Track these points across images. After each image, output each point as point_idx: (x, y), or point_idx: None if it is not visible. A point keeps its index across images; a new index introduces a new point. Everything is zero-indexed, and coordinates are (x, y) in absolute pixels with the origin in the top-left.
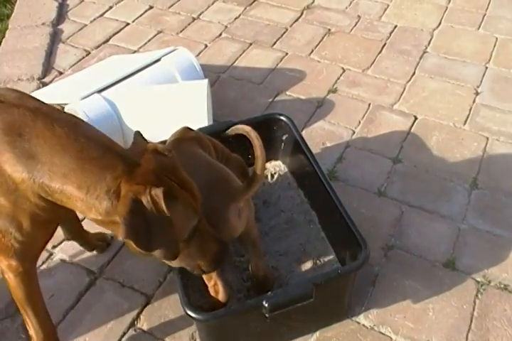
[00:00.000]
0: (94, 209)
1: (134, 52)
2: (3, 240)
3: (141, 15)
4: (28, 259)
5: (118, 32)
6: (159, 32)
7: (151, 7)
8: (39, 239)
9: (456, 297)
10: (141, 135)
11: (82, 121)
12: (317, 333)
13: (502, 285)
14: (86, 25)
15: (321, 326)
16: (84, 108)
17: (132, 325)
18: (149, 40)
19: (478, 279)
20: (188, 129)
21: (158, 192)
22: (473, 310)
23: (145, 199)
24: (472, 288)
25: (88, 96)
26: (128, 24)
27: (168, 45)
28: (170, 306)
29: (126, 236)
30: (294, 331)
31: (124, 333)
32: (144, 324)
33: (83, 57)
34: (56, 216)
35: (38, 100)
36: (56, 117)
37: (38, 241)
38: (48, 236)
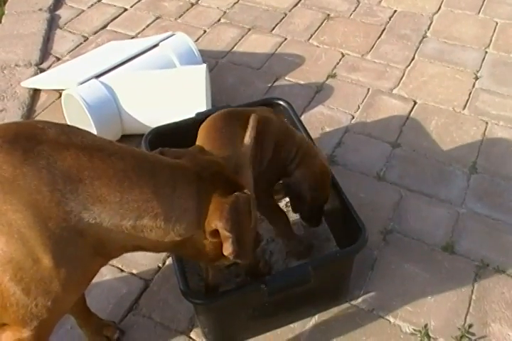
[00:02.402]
0: (173, 232)
1: (132, 37)
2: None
3: (139, 1)
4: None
5: (116, 17)
6: (157, 17)
7: None
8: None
9: (454, 280)
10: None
11: (133, 147)
12: (316, 317)
13: (500, 269)
14: (84, 10)
15: (320, 310)
16: (81, 93)
17: (131, 309)
18: (148, 26)
19: (477, 263)
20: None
21: (246, 199)
22: (472, 293)
23: (237, 208)
24: (470, 272)
25: (86, 81)
26: (126, 10)
27: (166, 31)
28: (169, 291)
29: (235, 251)
30: (292, 315)
31: (124, 317)
32: (142, 308)
33: (81, 43)
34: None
35: (81, 131)
36: (111, 150)
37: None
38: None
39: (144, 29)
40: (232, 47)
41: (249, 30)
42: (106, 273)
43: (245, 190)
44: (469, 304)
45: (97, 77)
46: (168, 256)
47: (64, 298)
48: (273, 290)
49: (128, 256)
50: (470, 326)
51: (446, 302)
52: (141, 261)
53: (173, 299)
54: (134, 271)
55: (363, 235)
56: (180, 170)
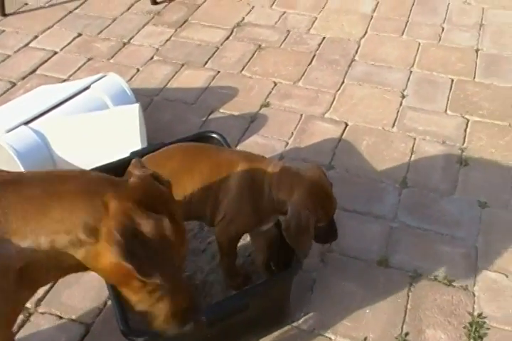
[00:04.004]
0: (77, 241)
1: (64, 81)
2: None
3: (69, 44)
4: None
5: (45, 61)
6: (89, 59)
7: (79, 34)
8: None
9: (390, 293)
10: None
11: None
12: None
13: (432, 277)
14: (10, 56)
15: (262, 335)
16: (9, 141)
17: None
18: (79, 68)
19: (411, 273)
20: None
21: (165, 222)
22: (407, 303)
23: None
24: (405, 283)
25: (14, 128)
26: (56, 53)
27: (98, 72)
28: (111, 333)
29: (123, 256)
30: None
31: None
32: None
33: (8, 89)
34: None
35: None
36: (24, 181)
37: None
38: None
39: (75, 72)
40: (166, 84)
41: (182, 65)
42: (43, 323)
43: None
44: (405, 313)
45: (27, 123)
46: (109, 298)
47: None
48: (212, 321)
49: (66, 301)
50: (406, 334)
51: (383, 314)
52: (79, 306)
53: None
54: (74, 317)
55: (296, 259)
56: (89, 179)
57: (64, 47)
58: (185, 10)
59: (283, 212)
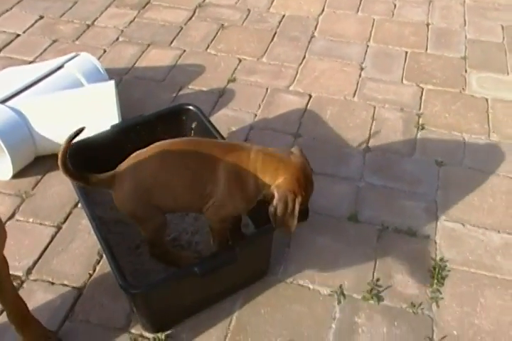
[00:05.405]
0: None
1: (30, 62)
2: None
3: (31, 26)
4: None
5: (9, 44)
6: (54, 41)
7: (41, 17)
8: None
9: (360, 244)
10: None
11: None
12: (243, 292)
13: (398, 229)
14: None
15: (247, 285)
16: None
17: (67, 317)
18: (45, 50)
19: (378, 227)
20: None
21: None
22: (376, 252)
23: None
24: (374, 235)
25: None
26: (19, 35)
27: (65, 54)
28: (103, 293)
29: None
30: (223, 293)
31: (60, 326)
32: (79, 314)
33: None
34: None
35: None
36: None
37: None
38: None
39: (41, 53)
40: (134, 63)
41: (149, 45)
42: (37, 289)
43: None
44: (375, 262)
45: (3, 102)
46: (99, 262)
47: None
48: (205, 271)
49: (56, 268)
50: (377, 280)
51: (355, 263)
52: (71, 271)
53: (108, 300)
54: (65, 282)
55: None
56: None
57: (27, 30)
58: None
59: (268, 195)
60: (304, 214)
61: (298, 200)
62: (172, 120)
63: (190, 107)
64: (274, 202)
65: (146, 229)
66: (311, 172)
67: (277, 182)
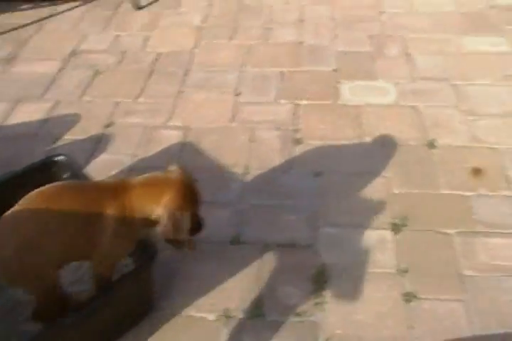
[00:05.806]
0: None
1: None
2: None
3: None
4: None
5: None
6: None
7: None
8: None
9: (245, 265)
10: None
11: None
12: (130, 333)
13: (280, 244)
14: None
15: (134, 325)
16: None
17: None
18: None
19: (260, 245)
20: None
21: None
22: (260, 270)
23: None
24: (257, 254)
25: None
26: None
27: None
28: None
29: None
30: (109, 338)
31: None
32: None
33: None
34: None
35: None
36: None
37: None
38: None
39: None
40: (4, 121)
41: (19, 101)
42: None
43: None
44: (260, 280)
45: None
46: None
47: None
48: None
49: None
50: (262, 296)
51: (240, 285)
52: None
53: None
54: None
55: (148, 251)
56: None
57: None
58: (13, 45)
59: (154, 220)
60: (198, 226)
61: (187, 215)
62: (42, 173)
63: (60, 158)
64: (163, 223)
65: (37, 291)
66: (195, 182)
67: (163, 203)
